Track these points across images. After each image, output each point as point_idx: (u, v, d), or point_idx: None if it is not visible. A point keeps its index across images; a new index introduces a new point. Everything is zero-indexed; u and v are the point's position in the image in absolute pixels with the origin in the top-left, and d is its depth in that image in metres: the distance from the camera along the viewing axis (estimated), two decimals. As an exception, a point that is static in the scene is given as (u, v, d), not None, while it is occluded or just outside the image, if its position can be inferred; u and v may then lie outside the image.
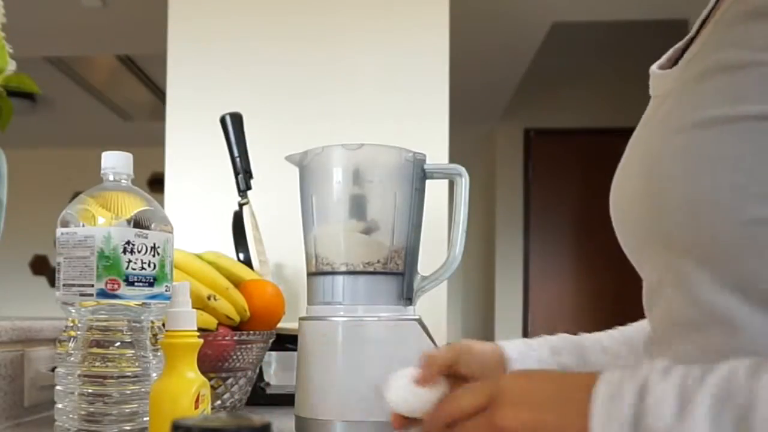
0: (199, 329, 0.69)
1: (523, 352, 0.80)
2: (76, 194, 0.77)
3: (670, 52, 0.70)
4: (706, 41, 0.61)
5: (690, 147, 0.56)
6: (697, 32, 0.66)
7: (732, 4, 0.59)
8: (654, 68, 0.70)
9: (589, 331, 0.85)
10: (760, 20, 0.55)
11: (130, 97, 4.93)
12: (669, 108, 0.62)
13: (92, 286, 0.69)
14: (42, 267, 6.03)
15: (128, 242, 0.70)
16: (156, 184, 5.12)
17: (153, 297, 0.71)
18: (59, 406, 0.72)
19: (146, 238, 0.71)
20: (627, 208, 0.67)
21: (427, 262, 0.87)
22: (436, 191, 1.26)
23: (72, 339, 0.71)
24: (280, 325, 1.05)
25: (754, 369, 0.48)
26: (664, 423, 0.48)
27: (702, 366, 0.50)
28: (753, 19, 0.56)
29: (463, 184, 0.85)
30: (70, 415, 0.70)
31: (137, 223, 0.71)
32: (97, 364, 0.70)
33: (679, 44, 0.69)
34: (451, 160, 1.45)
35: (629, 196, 0.66)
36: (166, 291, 0.73)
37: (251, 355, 0.97)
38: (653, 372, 0.51)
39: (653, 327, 0.67)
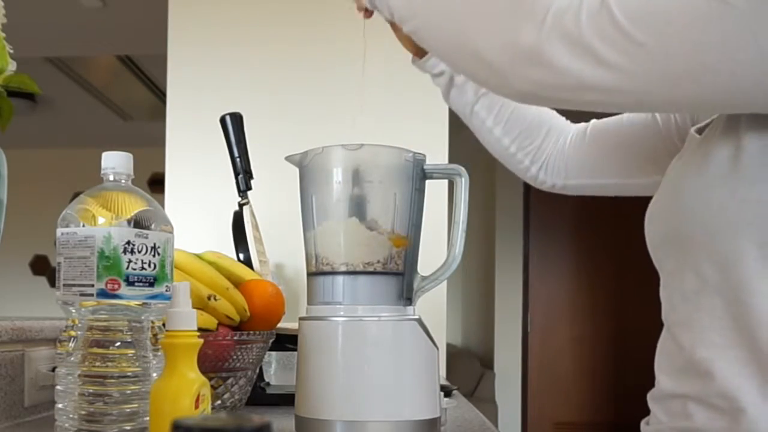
0: (199, 329, 0.69)
1: None
2: (76, 194, 0.77)
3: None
4: None
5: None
6: None
7: None
8: (692, 131, 0.79)
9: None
10: None
11: (130, 97, 4.94)
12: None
13: (92, 286, 0.69)
14: (42, 267, 6.03)
15: (128, 242, 0.70)
16: (156, 184, 5.12)
17: (153, 297, 0.71)
18: (59, 406, 0.72)
19: (146, 238, 0.71)
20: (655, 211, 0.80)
21: (427, 262, 0.87)
22: (436, 191, 1.26)
23: (72, 339, 0.71)
24: (280, 325, 1.05)
25: None
26: None
27: None
28: None
29: (463, 184, 0.85)
30: (70, 415, 0.70)
31: (137, 223, 0.71)
32: (98, 364, 0.70)
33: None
34: (451, 160, 1.45)
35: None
36: (166, 291, 0.73)
37: (251, 355, 0.97)
38: None
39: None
